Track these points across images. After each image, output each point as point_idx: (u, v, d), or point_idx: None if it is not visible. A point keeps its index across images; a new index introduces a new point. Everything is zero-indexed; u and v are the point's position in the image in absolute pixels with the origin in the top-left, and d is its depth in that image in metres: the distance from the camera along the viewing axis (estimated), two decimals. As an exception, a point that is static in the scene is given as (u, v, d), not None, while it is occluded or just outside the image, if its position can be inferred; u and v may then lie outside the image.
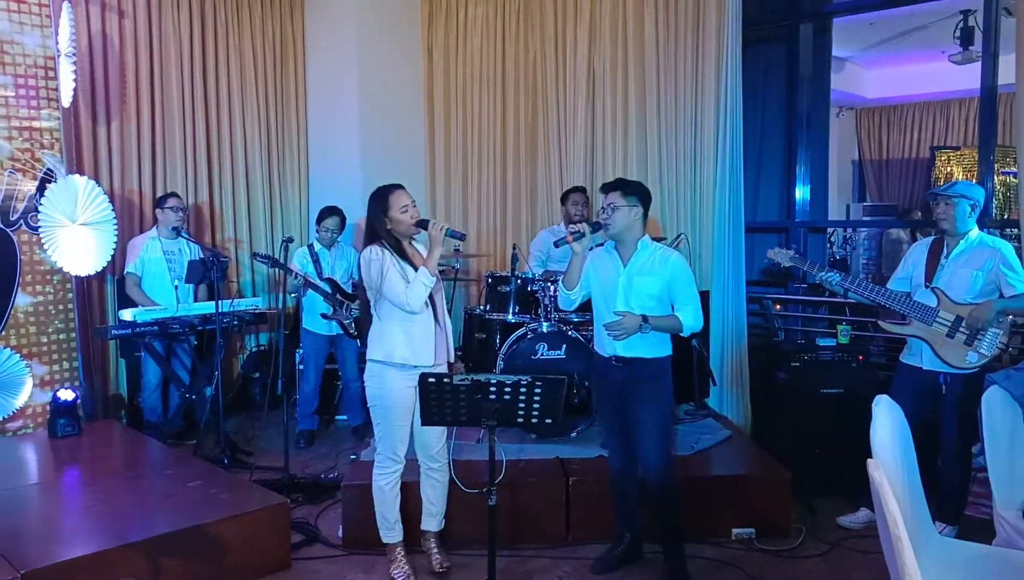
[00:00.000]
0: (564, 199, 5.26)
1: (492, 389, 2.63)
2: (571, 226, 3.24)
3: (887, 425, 2.28)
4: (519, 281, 4.63)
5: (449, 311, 3.50)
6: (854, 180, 10.57)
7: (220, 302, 4.55)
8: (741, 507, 3.76)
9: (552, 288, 4.40)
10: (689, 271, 3.26)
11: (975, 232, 3.58)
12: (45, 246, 4.55)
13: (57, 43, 4.65)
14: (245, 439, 5.17)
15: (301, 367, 4.91)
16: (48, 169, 4.67)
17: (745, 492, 3.80)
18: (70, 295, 4.83)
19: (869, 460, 2.09)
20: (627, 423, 3.30)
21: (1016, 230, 4.78)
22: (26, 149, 4.61)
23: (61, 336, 4.79)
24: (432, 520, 3.48)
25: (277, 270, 4.87)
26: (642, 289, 3.20)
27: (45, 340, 4.72)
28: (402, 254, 3.22)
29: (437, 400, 2.68)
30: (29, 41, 4.62)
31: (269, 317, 5.39)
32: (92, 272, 4.72)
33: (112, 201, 4.85)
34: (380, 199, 3.25)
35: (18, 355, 4.58)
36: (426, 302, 3.20)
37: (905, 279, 3.75)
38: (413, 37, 6.54)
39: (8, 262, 4.57)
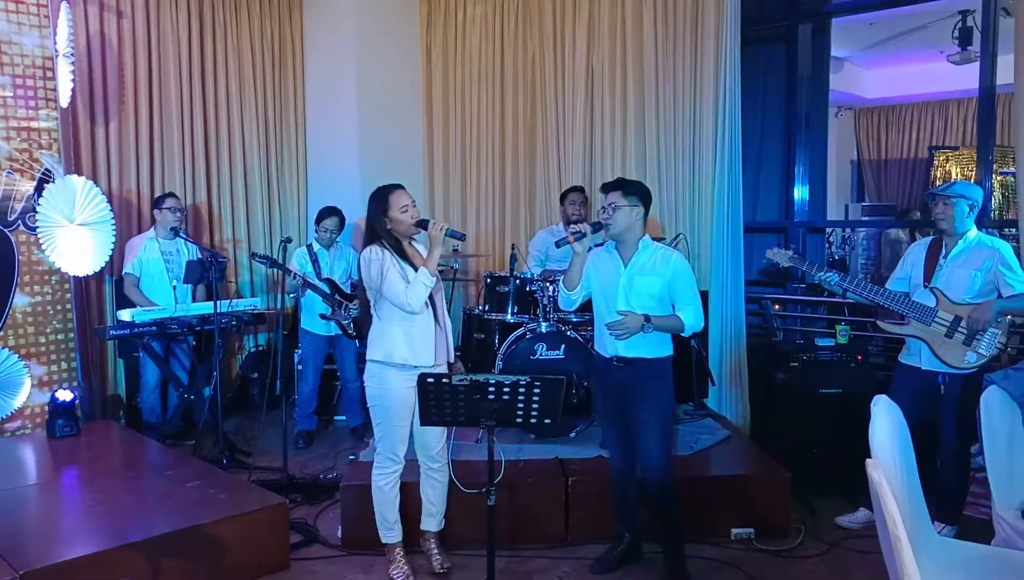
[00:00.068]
0: (563, 199, 5.26)
1: (491, 389, 2.63)
2: (572, 226, 3.24)
3: (886, 425, 2.28)
4: (518, 281, 4.63)
5: (448, 311, 3.50)
6: (853, 180, 10.57)
7: (218, 302, 4.54)
8: (740, 507, 3.76)
9: (551, 288, 4.40)
10: (690, 271, 3.26)
11: (973, 232, 3.58)
12: (43, 246, 4.54)
13: (55, 43, 4.64)
14: (244, 439, 5.16)
15: (300, 367, 4.91)
16: (46, 169, 4.66)
17: (744, 492, 3.80)
18: (68, 295, 4.82)
19: (868, 460, 2.09)
20: (628, 423, 3.30)
21: (1015, 230, 4.78)
22: (24, 149, 4.61)
23: (59, 336, 4.78)
24: (432, 520, 3.48)
25: (276, 270, 4.87)
26: (643, 289, 3.20)
27: (43, 340, 4.72)
28: (402, 254, 3.21)
29: (436, 400, 2.68)
30: (27, 41, 4.62)
31: (267, 317, 5.38)
32: (90, 272, 4.71)
33: (110, 201, 4.84)
34: (380, 199, 3.24)
35: (16, 355, 4.58)
36: (426, 302, 3.20)
37: (904, 279, 3.75)
38: (412, 37, 6.53)
39: (6, 262, 4.57)
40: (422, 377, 2.67)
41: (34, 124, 4.65)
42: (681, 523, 3.37)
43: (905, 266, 3.77)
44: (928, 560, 2.25)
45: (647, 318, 3.12)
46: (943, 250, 3.62)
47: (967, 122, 9.43)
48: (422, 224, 3.25)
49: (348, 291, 5.12)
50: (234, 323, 4.85)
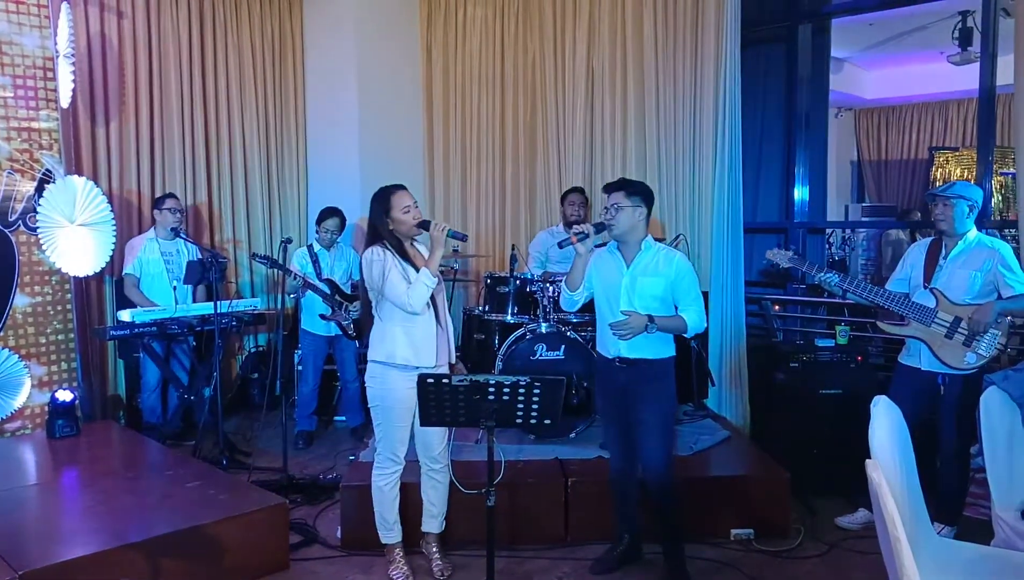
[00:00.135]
0: (562, 200, 5.27)
1: (491, 390, 2.63)
2: (575, 227, 3.24)
3: (886, 426, 2.28)
4: (518, 282, 4.63)
5: (448, 311, 3.50)
6: (853, 181, 10.57)
7: (218, 303, 4.55)
8: (740, 508, 3.76)
9: (551, 289, 4.40)
10: (693, 272, 3.26)
11: (973, 233, 3.58)
12: (43, 247, 4.54)
13: (56, 44, 4.65)
14: (244, 440, 5.16)
15: (300, 368, 4.92)
16: (47, 170, 4.67)
17: (744, 493, 3.80)
18: (68, 296, 4.82)
19: (868, 461, 2.09)
20: (629, 424, 3.30)
21: (1015, 231, 4.79)
22: (25, 150, 4.61)
23: (59, 337, 4.79)
24: (433, 522, 3.47)
25: (276, 271, 4.87)
26: (646, 290, 3.20)
27: (43, 341, 4.72)
28: (404, 255, 3.21)
29: (436, 401, 2.68)
30: (28, 42, 4.62)
31: (268, 318, 5.39)
32: (90, 273, 4.71)
33: (111, 202, 4.85)
34: (382, 199, 3.24)
35: (16, 356, 4.58)
36: (428, 303, 3.20)
37: (903, 280, 3.75)
38: (412, 37, 6.54)
39: (6, 263, 4.57)
40: (422, 377, 2.67)
41: (35, 124, 4.66)
42: (681, 524, 3.37)
43: (905, 267, 3.77)
44: (928, 561, 2.25)
45: (651, 318, 3.12)
46: (943, 251, 3.62)
47: (967, 123, 9.43)
48: (424, 225, 3.25)
49: (348, 292, 5.12)
50: (234, 323, 4.86)
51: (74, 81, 4.68)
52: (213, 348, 4.63)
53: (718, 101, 4.87)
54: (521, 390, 2.63)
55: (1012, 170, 5.52)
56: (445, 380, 2.65)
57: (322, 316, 4.99)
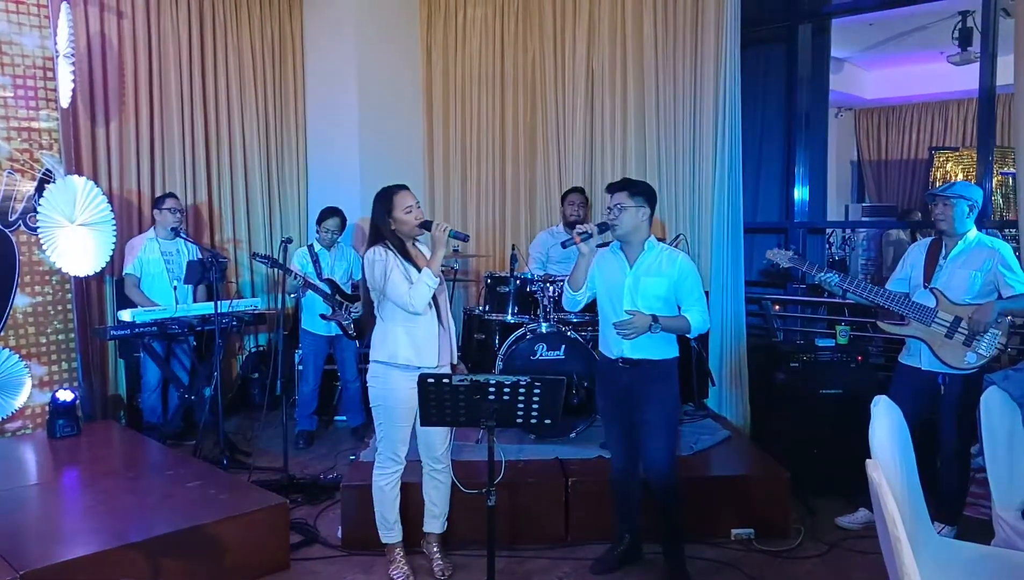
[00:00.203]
0: (563, 200, 5.27)
1: (491, 390, 2.63)
2: (579, 227, 3.24)
3: (886, 425, 2.28)
4: (518, 281, 4.63)
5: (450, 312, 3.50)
6: (853, 181, 10.57)
7: (219, 303, 4.55)
8: (740, 507, 3.76)
9: (551, 288, 4.40)
10: (696, 272, 3.26)
11: (973, 233, 3.59)
12: (44, 246, 4.54)
13: (56, 44, 4.65)
14: (244, 440, 5.16)
15: (300, 368, 4.91)
16: (47, 170, 4.66)
17: (744, 492, 3.80)
18: (69, 296, 4.82)
19: (868, 460, 2.09)
20: (631, 424, 3.30)
21: (1015, 231, 4.79)
22: (25, 150, 4.61)
23: (60, 337, 4.79)
24: (435, 522, 3.47)
25: (276, 270, 4.87)
26: (649, 290, 3.20)
27: (44, 341, 4.72)
28: (406, 255, 3.21)
29: (436, 401, 2.68)
30: (28, 42, 4.62)
31: (268, 318, 5.39)
32: (91, 272, 4.71)
33: (111, 201, 4.85)
34: (384, 199, 3.24)
35: (17, 356, 4.58)
36: (430, 303, 3.20)
37: (904, 280, 3.75)
38: (412, 37, 6.54)
39: (7, 263, 4.57)
40: (422, 377, 2.67)
41: (35, 124, 4.66)
42: (683, 524, 3.37)
43: (905, 267, 3.77)
44: (928, 560, 2.25)
45: (655, 318, 3.12)
46: (943, 251, 3.62)
47: (967, 123, 9.42)
48: (426, 225, 3.24)
49: (349, 292, 5.12)
50: (235, 323, 4.86)
51: (74, 81, 4.68)
52: (213, 348, 4.63)
53: (718, 101, 4.87)
54: (521, 390, 2.63)
55: (1012, 170, 5.52)
56: (445, 380, 2.65)
57: (322, 316, 4.99)
